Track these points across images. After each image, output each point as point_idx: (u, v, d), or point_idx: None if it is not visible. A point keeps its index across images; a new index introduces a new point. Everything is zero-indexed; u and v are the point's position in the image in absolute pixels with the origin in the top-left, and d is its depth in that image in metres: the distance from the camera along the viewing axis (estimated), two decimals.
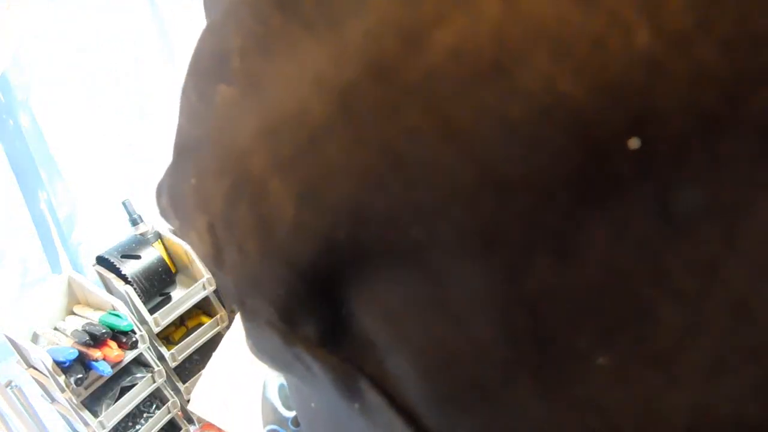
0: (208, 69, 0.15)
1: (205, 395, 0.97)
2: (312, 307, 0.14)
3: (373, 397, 0.14)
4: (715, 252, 0.10)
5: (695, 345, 0.11)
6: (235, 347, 1.00)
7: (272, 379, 0.34)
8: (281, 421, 0.33)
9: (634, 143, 0.10)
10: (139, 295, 1.33)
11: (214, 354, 1.02)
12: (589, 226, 0.11)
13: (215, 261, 0.15)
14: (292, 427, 0.33)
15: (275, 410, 0.33)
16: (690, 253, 0.10)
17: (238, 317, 1.04)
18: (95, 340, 1.25)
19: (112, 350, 1.26)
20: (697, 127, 0.10)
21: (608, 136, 0.10)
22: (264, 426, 0.34)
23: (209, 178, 0.14)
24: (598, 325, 0.11)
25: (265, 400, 0.34)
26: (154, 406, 1.41)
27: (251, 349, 0.17)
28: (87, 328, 1.27)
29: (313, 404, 0.19)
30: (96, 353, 1.23)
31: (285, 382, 0.35)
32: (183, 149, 0.16)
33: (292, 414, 0.33)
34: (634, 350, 0.11)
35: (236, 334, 1.03)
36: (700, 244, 0.10)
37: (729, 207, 0.10)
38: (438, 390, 0.13)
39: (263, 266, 0.14)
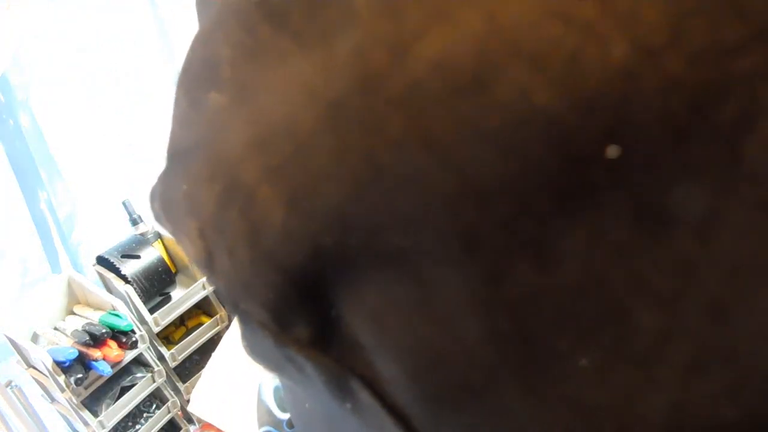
0: (199, 77, 0.15)
1: (204, 395, 0.97)
2: (302, 310, 0.15)
3: (365, 397, 0.14)
4: (689, 256, 0.11)
5: (673, 346, 0.11)
6: (235, 347, 1.01)
7: (268, 381, 0.34)
8: (276, 423, 0.33)
9: (611, 152, 0.10)
10: (139, 295, 1.33)
11: (213, 354, 1.02)
12: (567, 233, 0.11)
13: (207, 265, 0.15)
14: (287, 429, 0.33)
15: (270, 412, 0.33)
16: (665, 257, 0.11)
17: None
18: (95, 340, 1.25)
19: (112, 350, 1.26)
20: (669, 137, 0.10)
21: (585, 146, 0.10)
22: (259, 427, 0.34)
23: (200, 184, 0.15)
24: (578, 327, 0.12)
25: (261, 402, 0.34)
26: (154, 406, 1.41)
27: (246, 350, 0.17)
28: (87, 328, 1.27)
29: (307, 405, 0.19)
30: (96, 353, 1.23)
31: (280, 384, 0.36)
32: (175, 155, 0.17)
33: (287, 416, 0.33)
34: (614, 352, 0.12)
35: (235, 334, 1.03)
36: (675, 248, 0.11)
37: (701, 212, 0.10)
38: (426, 390, 0.14)
39: (253, 271, 0.14)
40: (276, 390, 0.35)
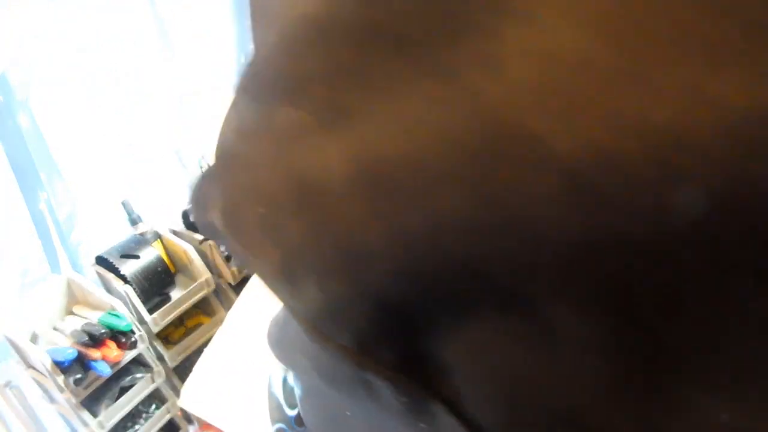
0: (272, 87, 0.14)
1: (196, 391, 0.97)
2: (392, 337, 0.14)
3: (447, 420, 0.14)
4: None
5: None
6: (227, 344, 1.00)
7: (276, 375, 0.34)
8: (286, 420, 0.33)
9: None
10: (138, 295, 1.33)
11: (205, 350, 1.02)
12: (726, 292, 0.10)
13: (288, 291, 0.15)
14: (296, 426, 0.33)
15: (281, 408, 0.33)
16: None
17: (230, 315, 1.04)
18: (94, 341, 1.24)
19: (112, 350, 1.26)
20: None
21: None
22: (272, 424, 0.34)
23: (284, 213, 0.14)
24: (729, 385, 0.11)
25: (271, 395, 0.34)
26: (153, 406, 1.41)
27: (307, 369, 0.17)
28: (86, 328, 1.26)
29: (348, 413, 0.18)
30: (95, 353, 1.23)
31: (287, 377, 0.35)
32: (228, 159, 0.16)
33: (294, 412, 0.33)
34: (760, 410, 0.11)
35: (228, 331, 1.02)
36: None
37: None
38: (523, 420, 0.13)
39: (346, 302, 0.14)
40: (285, 383, 0.35)
